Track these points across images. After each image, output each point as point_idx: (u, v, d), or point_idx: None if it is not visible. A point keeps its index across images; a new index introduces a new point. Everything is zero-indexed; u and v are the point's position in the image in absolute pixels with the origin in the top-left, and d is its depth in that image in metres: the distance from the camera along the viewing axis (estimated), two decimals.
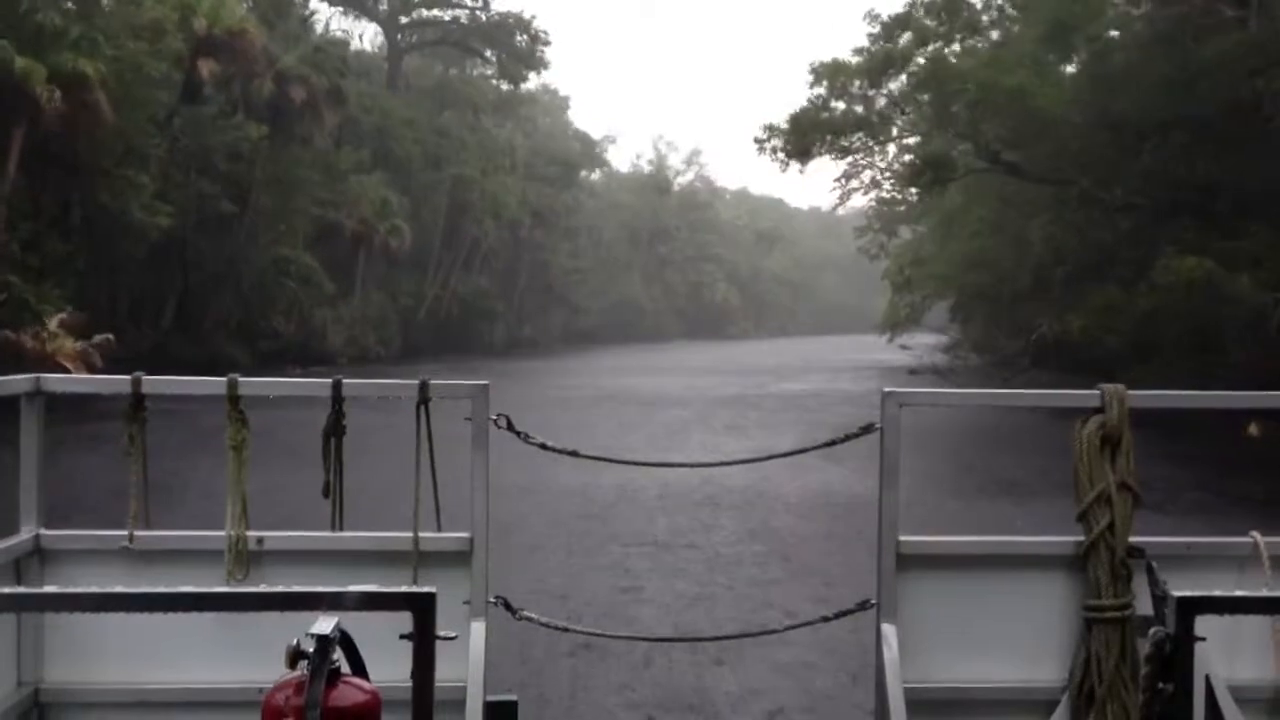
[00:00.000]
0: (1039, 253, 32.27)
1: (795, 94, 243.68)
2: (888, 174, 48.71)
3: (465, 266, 65.38)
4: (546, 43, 66.34)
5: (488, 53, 68.62)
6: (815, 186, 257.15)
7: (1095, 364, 25.52)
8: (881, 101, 35.64)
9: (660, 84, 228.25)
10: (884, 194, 53.52)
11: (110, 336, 28.47)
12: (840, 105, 35.23)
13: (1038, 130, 27.26)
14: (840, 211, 64.36)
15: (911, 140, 37.52)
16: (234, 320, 44.04)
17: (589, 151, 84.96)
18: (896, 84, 35.06)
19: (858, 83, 34.58)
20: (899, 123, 36.46)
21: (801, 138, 33.52)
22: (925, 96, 31.65)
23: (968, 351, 45.28)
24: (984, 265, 37.42)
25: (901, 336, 57.89)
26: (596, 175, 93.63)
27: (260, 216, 43.98)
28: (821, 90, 34.57)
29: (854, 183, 52.04)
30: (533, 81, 71.18)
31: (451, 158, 59.45)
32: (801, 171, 37.95)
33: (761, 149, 35.50)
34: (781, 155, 34.56)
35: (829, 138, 34.10)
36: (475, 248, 65.06)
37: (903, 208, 54.99)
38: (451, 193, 59.42)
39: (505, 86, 70.51)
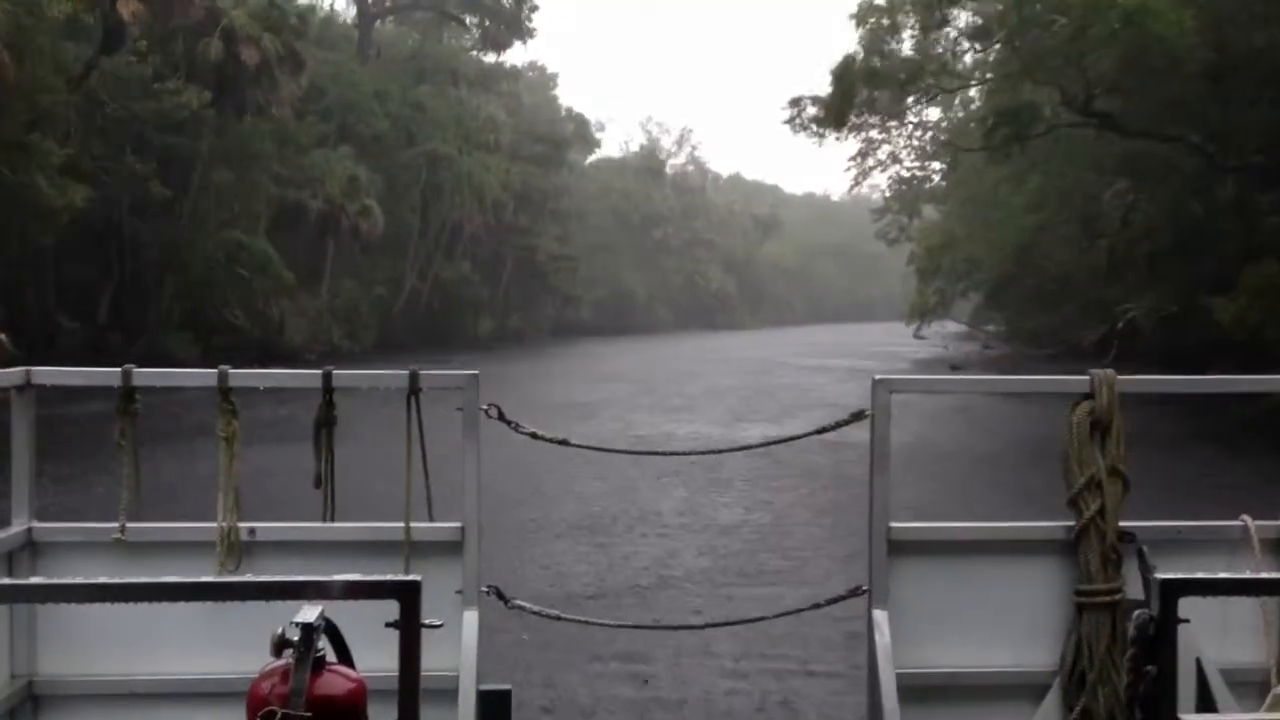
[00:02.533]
0: (1112, 227, 27.39)
1: (790, 77, 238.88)
2: (911, 147, 44.06)
3: (446, 253, 60.27)
4: (535, 7, 60.82)
5: (468, 19, 63.09)
6: (811, 171, 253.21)
7: (1205, 356, 20.58)
8: (941, 48, 30.17)
9: (648, 67, 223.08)
10: (904, 171, 48.55)
11: (3, 337, 23.20)
12: (901, 48, 29.48)
13: (1146, 73, 22.16)
14: (856, 192, 59.52)
15: (974, 91, 32.11)
16: (179, 313, 38.89)
17: (579, 131, 79.57)
18: (962, 22, 29.50)
19: (909, 31, 29.09)
20: (962, 68, 31.03)
21: (843, 98, 28.18)
22: (1001, 34, 26.30)
23: (1009, 341, 40.53)
24: (1042, 244, 32.36)
25: (925, 326, 53.21)
26: (589, 159, 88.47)
27: (208, 196, 38.75)
28: (861, 41, 29.03)
29: (869, 161, 47.33)
30: (517, 55, 65.65)
31: (428, 134, 54.14)
32: (840, 139, 32.72)
33: (794, 124, 30.35)
34: (815, 128, 29.40)
35: (874, 95, 28.75)
36: (457, 232, 59.86)
37: (928, 184, 49.94)
38: (428, 171, 54.11)
39: (488, 59, 65.17)
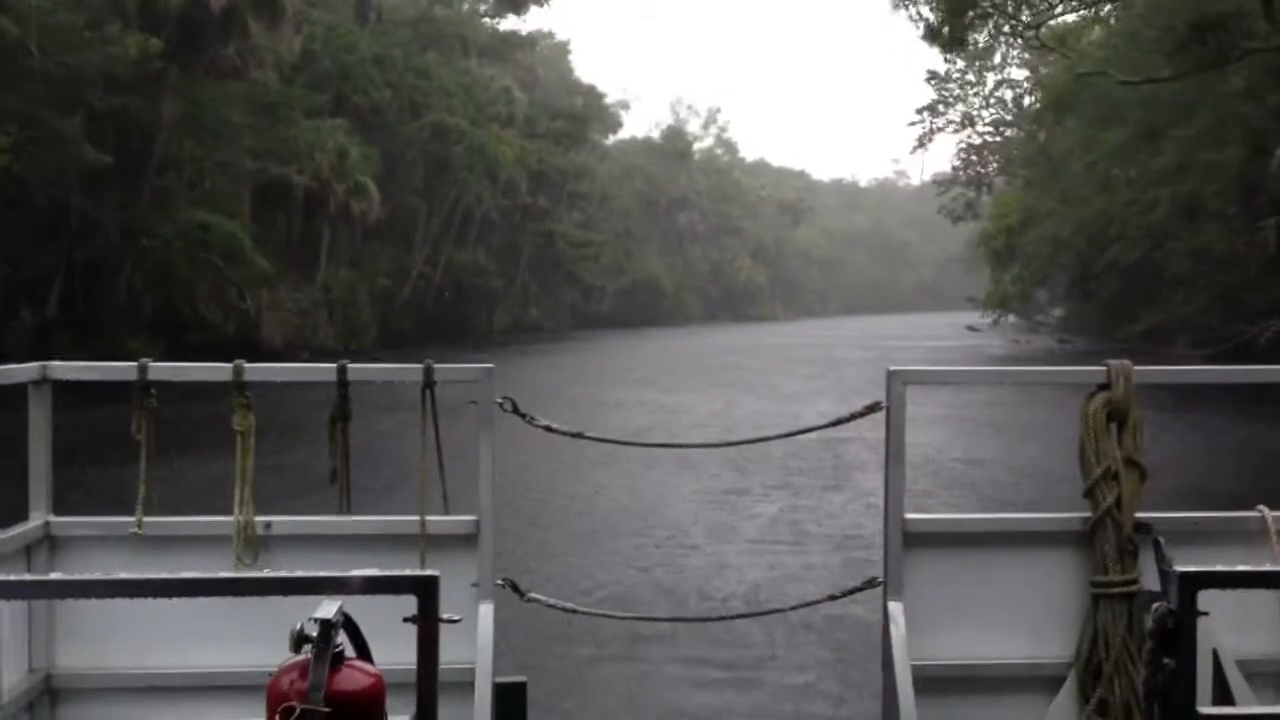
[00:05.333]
0: None
1: (813, 61, 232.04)
2: (991, 104, 38.10)
3: (457, 239, 54.75)
4: None
5: None
6: (839, 157, 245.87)
7: None
8: None
9: (670, 48, 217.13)
10: (976, 137, 42.44)
11: None
12: None
13: None
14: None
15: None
16: (143, 307, 33.49)
17: (600, 109, 73.73)
18: None
19: None
20: None
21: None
22: None
23: (1083, 336, 34.55)
24: (1164, 221, 26.33)
25: (988, 318, 47.15)
26: (611, 140, 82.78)
27: (174, 172, 33.27)
28: None
29: (938, 121, 41.30)
30: (535, 21, 59.80)
31: (434, 105, 48.53)
32: (947, 54, 26.94)
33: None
34: (925, 23, 23.43)
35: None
36: (468, 216, 54.27)
37: (998, 159, 43.72)
38: (434, 147, 48.47)
39: (501, 25, 59.44)
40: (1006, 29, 27.03)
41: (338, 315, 43.49)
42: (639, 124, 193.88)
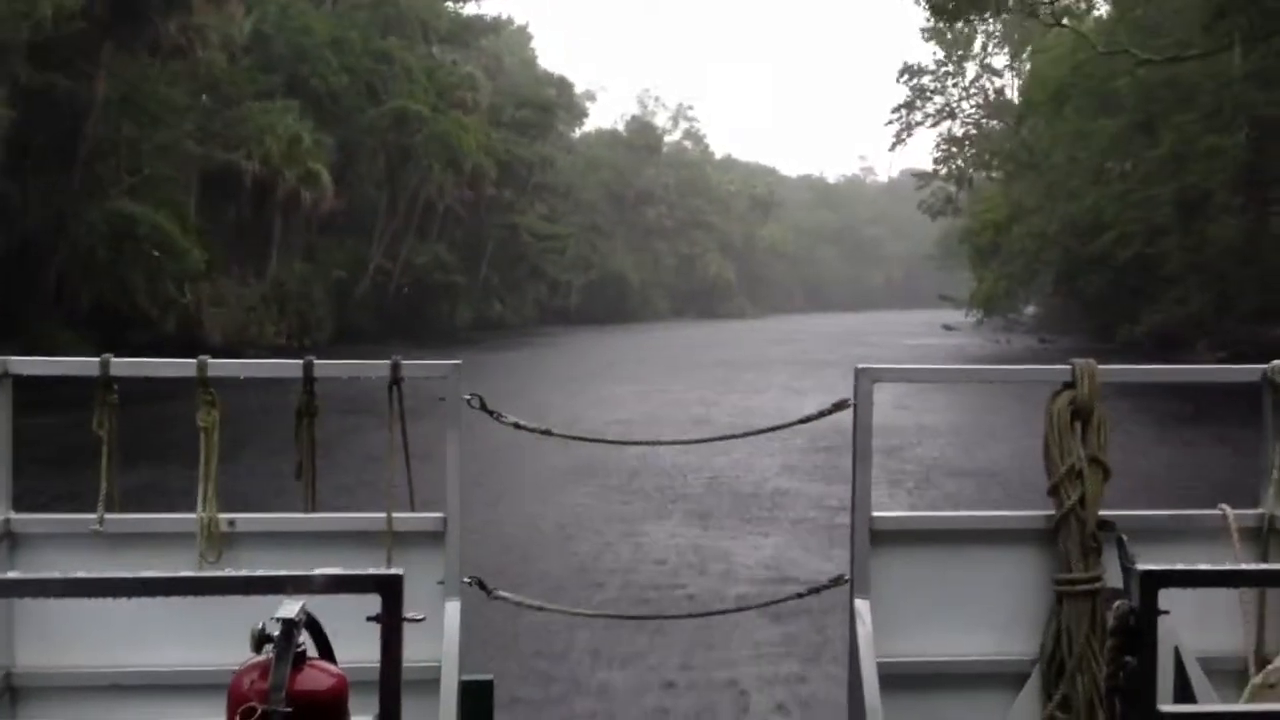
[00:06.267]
0: None
1: (782, 57, 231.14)
2: (971, 96, 36.61)
3: (419, 231, 52.64)
4: None
5: None
6: (807, 154, 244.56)
7: None
8: None
9: (638, 42, 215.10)
10: (958, 129, 40.88)
11: None
12: None
13: None
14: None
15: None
16: (79, 300, 31.24)
17: (566, 98, 71.70)
18: None
19: None
20: None
21: None
22: None
23: (1068, 335, 33.04)
24: (1159, 216, 24.76)
25: (970, 316, 45.69)
26: (577, 132, 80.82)
27: (110, 156, 31.02)
28: None
29: (915, 115, 39.73)
30: (497, 6, 57.74)
31: (395, 90, 46.37)
32: (949, 23, 25.21)
33: None
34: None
35: None
36: (430, 207, 52.16)
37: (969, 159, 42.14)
38: (395, 133, 46.32)
39: (464, 10, 57.26)
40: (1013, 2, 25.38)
41: (291, 311, 41.31)
42: (605, 115, 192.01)
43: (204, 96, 35.62)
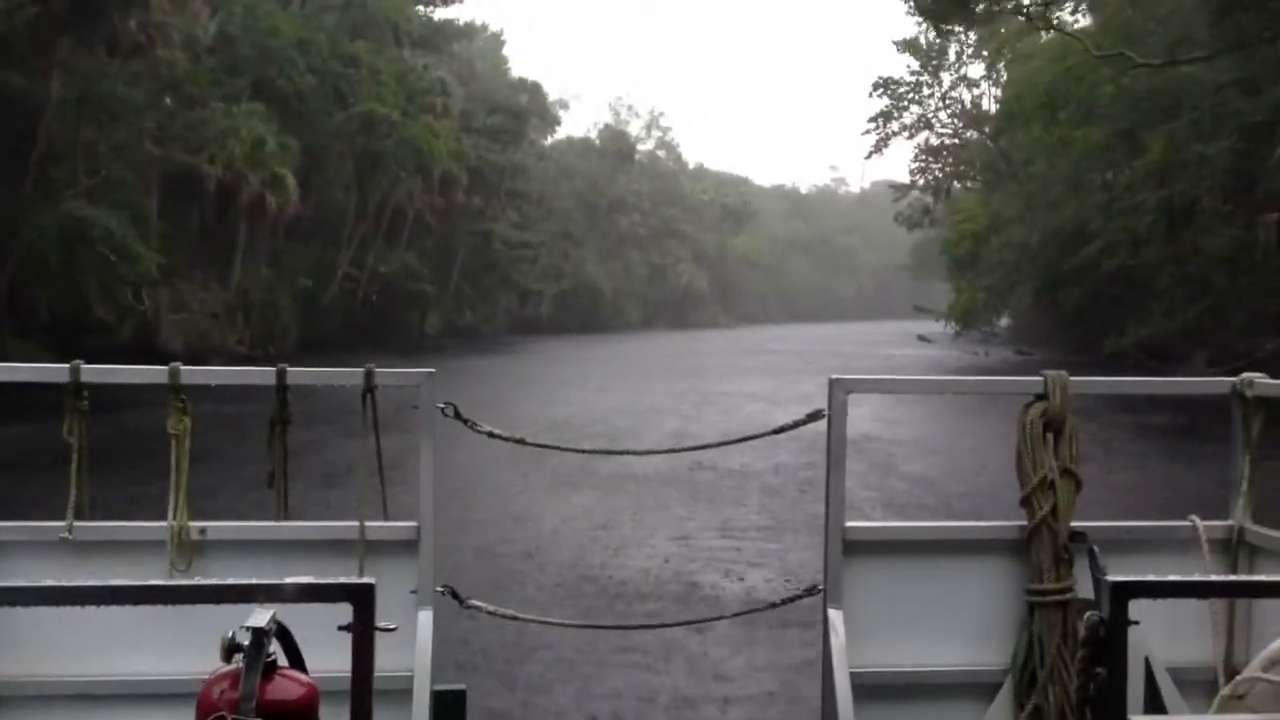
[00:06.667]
0: None
1: (754, 65, 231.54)
2: (948, 107, 36.21)
3: (388, 238, 51.63)
4: None
5: None
6: (780, 164, 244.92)
7: None
8: None
9: (611, 50, 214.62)
10: (934, 139, 40.43)
11: None
12: None
13: None
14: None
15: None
16: (36, 307, 30.08)
17: (539, 106, 70.86)
18: None
19: None
20: None
21: None
22: None
23: (1047, 348, 32.49)
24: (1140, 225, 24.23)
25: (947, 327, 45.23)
26: (549, 140, 79.98)
27: (66, 158, 29.91)
28: None
29: (893, 125, 39.30)
30: (470, 11, 56.87)
31: (363, 94, 45.40)
32: (938, 26, 24.73)
33: None
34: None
35: None
36: (399, 214, 51.16)
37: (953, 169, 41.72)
38: (363, 139, 45.35)
39: (436, 13, 56.34)
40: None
41: (255, 318, 40.21)
42: (578, 123, 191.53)
43: (166, 98, 34.52)
